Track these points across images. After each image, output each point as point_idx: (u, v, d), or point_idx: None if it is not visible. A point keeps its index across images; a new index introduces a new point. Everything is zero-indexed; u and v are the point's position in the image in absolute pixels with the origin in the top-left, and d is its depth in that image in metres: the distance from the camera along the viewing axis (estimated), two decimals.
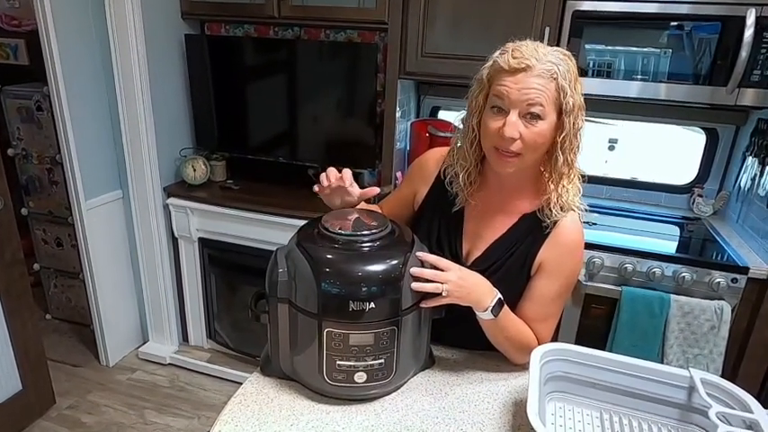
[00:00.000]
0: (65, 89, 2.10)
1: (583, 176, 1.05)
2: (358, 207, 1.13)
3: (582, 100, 0.97)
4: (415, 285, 0.94)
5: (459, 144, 1.09)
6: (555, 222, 1.03)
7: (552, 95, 0.93)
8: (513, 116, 0.94)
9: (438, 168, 1.16)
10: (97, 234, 2.35)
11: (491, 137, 0.97)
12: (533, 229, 1.05)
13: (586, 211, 1.06)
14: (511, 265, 1.06)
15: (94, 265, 2.37)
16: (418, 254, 0.98)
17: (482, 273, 1.03)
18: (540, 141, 0.96)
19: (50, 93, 2.12)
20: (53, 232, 2.66)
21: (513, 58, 0.93)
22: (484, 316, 0.99)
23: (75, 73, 2.13)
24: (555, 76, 0.93)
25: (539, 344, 1.05)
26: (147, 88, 2.22)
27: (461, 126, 1.09)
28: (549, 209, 1.02)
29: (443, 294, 0.94)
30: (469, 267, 1.03)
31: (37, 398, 2.18)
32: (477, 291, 0.98)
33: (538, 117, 0.94)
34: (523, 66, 0.92)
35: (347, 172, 1.09)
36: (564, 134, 0.96)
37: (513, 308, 1.06)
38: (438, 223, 1.14)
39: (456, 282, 0.95)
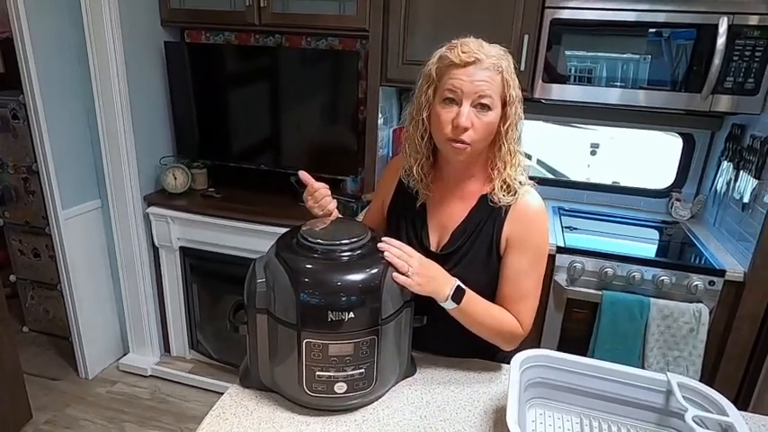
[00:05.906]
0: (41, 97, 2.06)
1: (528, 156, 1.10)
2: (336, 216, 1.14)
3: (521, 93, 1.04)
4: (387, 254, 0.96)
5: (410, 138, 1.11)
6: (508, 205, 1.07)
7: (499, 87, 1.00)
8: (466, 107, 0.99)
9: (400, 173, 1.19)
10: (75, 244, 2.31)
11: (444, 128, 1.01)
12: (493, 208, 1.08)
13: (535, 184, 1.11)
14: (479, 246, 1.08)
15: (73, 276, 2.32)
16: (383, 239, 0.99)
17: (452, 257, 1.08)
18: (489, 131, 1.02)
19: (26, 101, 2.09)
20: (30, 243, 2.61)
21: (464, 52, 0.99)
22: (447, 306, 1.00)
23: (52, 81, 2.10)
24: (500, 69, 1.00)
25: (520, 326, 1.06)
26: (126, 96, 2.19)
27: (408, 122, 1.12)
28: (496, 194, 1.07)
29: (409, 273, 0.96)
30: (439, 255, 1.08)
31: (13, 413, 2.13)
32: (435, 281, 0.99)
33: (487, 108, 0.99)
34: (473, 59, 0.98)
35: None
36: (508, 124, 1.03)
37: (492, 291, 1.08)
38: (405, 222, 1.16)
39: (418, 267, 0.97)
